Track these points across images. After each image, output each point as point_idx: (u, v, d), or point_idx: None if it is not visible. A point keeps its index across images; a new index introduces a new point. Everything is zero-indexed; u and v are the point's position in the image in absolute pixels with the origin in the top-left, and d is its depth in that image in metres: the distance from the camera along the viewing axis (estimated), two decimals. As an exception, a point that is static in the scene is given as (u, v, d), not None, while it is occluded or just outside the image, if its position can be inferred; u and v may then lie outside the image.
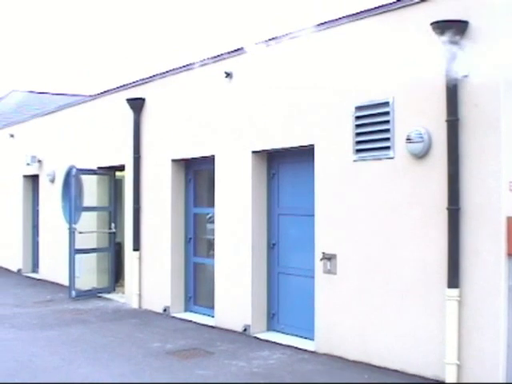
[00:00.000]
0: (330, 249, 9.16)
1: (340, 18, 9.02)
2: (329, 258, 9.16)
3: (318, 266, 9.33)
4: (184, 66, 12.26)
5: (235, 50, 10.96)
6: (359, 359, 8.72)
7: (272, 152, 10.62)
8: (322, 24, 9.28)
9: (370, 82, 8.61)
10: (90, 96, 16.89)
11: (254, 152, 10.64)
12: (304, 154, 9.89)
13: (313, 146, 9.48)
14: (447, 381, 7.50)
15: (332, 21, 9.13)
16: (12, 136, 20.24)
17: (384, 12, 8.41)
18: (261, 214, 10.77)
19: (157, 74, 13.07)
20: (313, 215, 9.54)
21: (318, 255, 9.34)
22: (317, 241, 9.41)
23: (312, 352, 9.38)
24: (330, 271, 9.15)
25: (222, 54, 11.26)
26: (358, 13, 8.75)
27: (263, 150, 10.59)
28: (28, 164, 18.27)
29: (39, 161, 18.18)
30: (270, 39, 10.25)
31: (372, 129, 8.60)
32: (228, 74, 10.98)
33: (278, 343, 9.99)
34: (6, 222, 20.93)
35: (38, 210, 18.94)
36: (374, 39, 8.55)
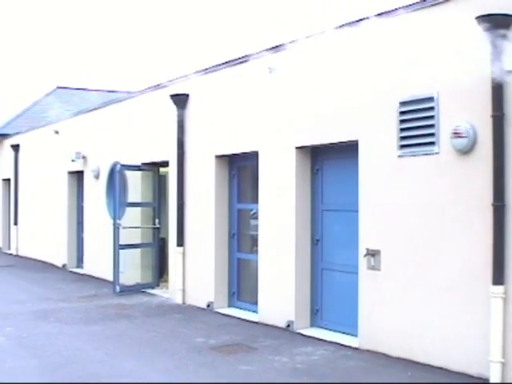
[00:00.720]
0: (374, 245, 9.21)
1: (383, 13, 9.04)
2: (373, 254, 9.21)
3: (362, 262, 9.38)
4: (227, 62, 12.37)
5: (278, 46, 11.04)
6: (402, 356, 8.75)
7: (316, 148, 10.68)
8: (366, 19, 9.30)
9: (415, 76, 8.63)
10: (134, 92, 17.11)
11: (297, 148, 10.71)
12: (348, 150, 9.94)
13: (357, 141, 9.52)
14: (492, 379, 7.50)
15: (376, 15, 9.15)
16: (57, 132, 20.59)
17: (429, 6, 8.41)
18: (305, 209, 10.85)
19: (200, 70, 13.19)
20: (357, 211, 9.59)
21: (361, 251, 9.39)
22: (361, 237, 9.46)
23: (355, 348, 9.42)
24: (374, 267, 9.20)
25: (265, 50, 11.35)
26: (402, 7, 8.77)
27: (307, 146, 10.66)
28: (73, 160, 18.60)
29: (84, 157, 18.49)
30: (312, 34, 10.31)
31: (416, 124, 8.62)
32: (271, 70, 11.06)
33: (321, 339, 10.03)
34: (52, 218, 21.28)
35: (82, 206, 19.27)
36: (418, 34, 8.55)
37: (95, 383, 7.87)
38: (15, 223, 25.14)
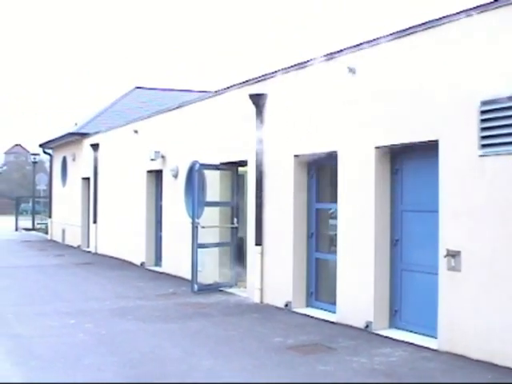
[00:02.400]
0: (455, 245, 9.25)
1: (463, 11, 9.09)
2: (453, 254, 9.25)
3: (442, 262, 9.43)
4: (307, 61, 12.52)
5: (358, 45, 11.17)
6: (483, 358, 8.75)
7: (395, 147, 10.77)
8: (446, 17, 9.38)
9: (496, 76, 8.65)
10: (212, 92, 17.43)
11: (377, 147, 10.83)
12: (428, 150, 9.99)
13: (437, 141, 9.59)
14: None
15: (456, 14, 9.21)
16: (136, 132, 21.15)
17: (509, 4, 8.45)
18: (384, 210, 10.95)
19: (279, 70, 13.36)
20: (436, 211, 9.65)
21: (441, 252, 9.44)
22: (441, 237, 9.52)
23: (434, 350, 9.46)
24: (454, 268, 9.24)
25: (344, 49, 11.48)
26: (481, 5, 8.81)
27: (386, 146, 10.78)
28: (152, 159, 19.04)
29: (163, 156, 18.92)
30: (392, 33, 10.42)
31: (498, 123, 8.65)
32: (351, 69, 11.20)
33: (399, 340, 10.11)
34: (130, 216, 21.84)
35: (161, 205, 19.71)
36: (499, 32, 8.60)
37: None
38: (94, 221, 25.91)
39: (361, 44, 11.10)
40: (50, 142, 33.37)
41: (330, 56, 11.83)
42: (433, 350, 9.51)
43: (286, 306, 12.91)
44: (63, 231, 31.19)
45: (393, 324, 10.94)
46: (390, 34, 10.46)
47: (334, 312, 11.80)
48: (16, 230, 43.43)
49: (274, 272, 13.50)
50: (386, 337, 10.41)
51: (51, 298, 14.70)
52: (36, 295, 15.07)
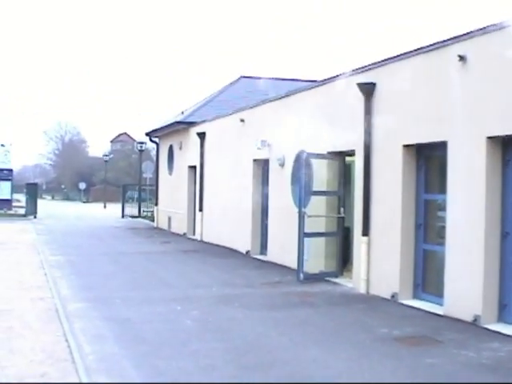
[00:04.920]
0: None
1: None
2: None
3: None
4: (416, 50, 12.53)
5: (469, 33, 11.12)
6: None
7: (508, 138, 10.68)
8: None
9: None
10: (318, 81, 17.56)
11: (488, 138, 10.77)
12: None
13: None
14: None
15: None
16: (242, 121, 21.55)
17: None
18: (494, 201, 10.87)
19: (388, 59, 13.43)
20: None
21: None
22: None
23: (545, 345, 9.37)
24: None
25: (456, 37, 11.44)
26: None
27: (498, 136, 10.70)
28: (258, 148, 19.39)
29: (269, 145, 19.22)
30: (503, 22, 10.33)
31: None
32: (462, 58, 11.16)
33: (508, 335, 10.04)
34: (236, 204, 22.25)
35: (267, 194, 20.00)
36: None
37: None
38: (200, 209, 26.53)
39: (472, 31, 11.04)
40: (156, 130, 34.24)
41: (441, 44, 11.79)
42: (544, 345, 9.40)
43: (393, 297, 12.98)
44: (169, 219, 32.01)
45: (502, 318, 10.85)
46: (502, 22, 10.37)
47: (441, 304, 11.80)
48: (122, 217, 44.79)
49: (381, 263, 13.58)
50: (495, 331, 10.33)
51: (158, 284, 15.23)
52: (143, 281, 15.63)
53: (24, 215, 42.72)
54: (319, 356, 8.93)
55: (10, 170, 49.51)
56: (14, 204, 50.41)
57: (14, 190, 51.97)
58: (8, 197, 47.69)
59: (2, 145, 51.28)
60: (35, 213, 42.09)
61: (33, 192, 44.60)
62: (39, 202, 45.48)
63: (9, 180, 48.29)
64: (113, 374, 8.04)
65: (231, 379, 7.95)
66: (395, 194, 13.10)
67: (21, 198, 58.97)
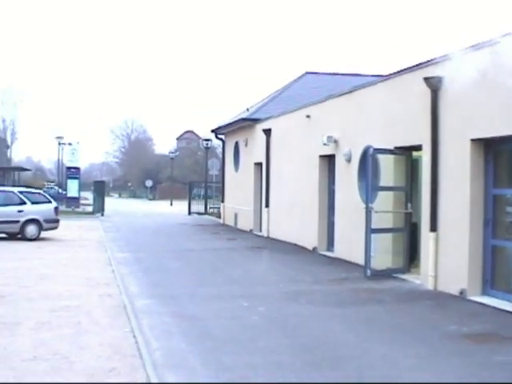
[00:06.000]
0: None
1: None
2: None
3: None
4: (481, 43, 12.42)
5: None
6: None
7: None
8: None
9: None
10: (383, 76, 17.52)
11: None
12: None
13: None
14: None
15: None
16: (308, 117, 21.62)
17: None
18: None
19: (455, 52, 13.24)
20: None
21: None
22: None
23: None
24: None
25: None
26: None
27: None
28: (324, 144, 19.42)
29: (335, 141, 19.23)
30: None
31: None
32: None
33: None
34: (302, 201, 22.32)
35: (333, 190, 20.02)
36: None
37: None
38: (266, 206, 26.72)
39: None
40: (222, 127, 34.59)
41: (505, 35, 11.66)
42: None
43: (461, 293, 12.86)
44: (235, 215, 32.31)
45: None
46: None
47: (511, 301, 11.69)
48: (189, 214, 45.38)
49: (449, 259, 13.47)
50: None
51: (224, 280, 15.44)
52: (209, 277, 15.87)
53: (91, 213, 43.66)
54: (387, 353, 8.95)
55: (78, 169, 50.59)
56: (81, 202, 51.55)
57: (82, 188, 53.08)
58: (76, 195, 48.83)
59: (70, 143, 52.50)
60: (102, 210, 42.92)
61: (100, 190, 45.50)
62: (106, 199, 46.30)
63: (76, 178, 49.40)
64: (180, 370, 8.20)
65: (299, 375, 8.02)
66: (463, 189, 12.98)
67: (88, 196, 60.18)
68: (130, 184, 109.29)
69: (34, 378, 7.73)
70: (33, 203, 24.79)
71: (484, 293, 12.84)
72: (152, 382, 7.70)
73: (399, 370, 8.22)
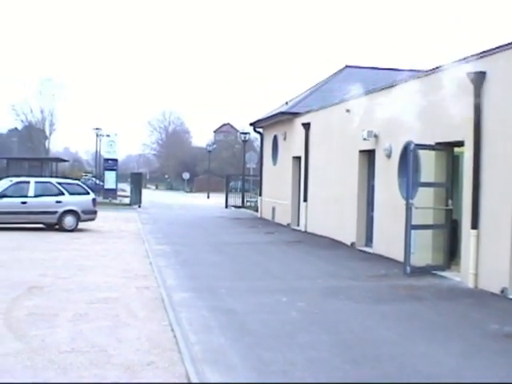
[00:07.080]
0: None
1: None
2: None
3: None
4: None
5: None
6: None
7: None
8: None
9: None
10: (427, 70, 17.39)
11: None
12: None
13: None
14: None
15: None
16: (348, 111, 21.55)
17: None
18: None
19: (500, 46, 13.16)
20: None
21: None
22: None
23: None
24: None
25: None
26: None
27: None
28: (364, 139, 19.38)
29: (375, 136, 19.18)
30: None
31: None
32: None
33: None
34: (341, 196, 22.29)
35: (373, 185, 19.99)
36: None
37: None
38: (304, 200, 26.70)
39: None
40: (260, 120, 34.61)
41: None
42: None
43: (502, 292, 12.75)
44: (273, 209, 32.32)
45: None
46: None
47: (556, 300, 11.55)
48: (226, 207, 45.53)
49: (490, 257, 13.36)
50: None
51: (262, 274, 15.48)
52: (247, 271, 15.92)
53: (129, 204, 44.03)
54: (428, 351, 8.90)
55: (115, 160, 50.96)
56: (118, 193, 51.98)
57: (119, 179, 53.47)
58: (113, 186, 49.21)
59: (108, 135, 52.91)
60: (139, 202, 43.25)
61: (137, 182, 45.86)
62: (143, 191, 46.63)
63: (114, 170, 49.74)
64: (219, 365, 8.21)
65: (338, 372, 8.01)
66: (506, 186, 12.87)
67: (125, 188, 60.63)
68: (167, 176, 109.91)
69: (72, 370, 7.76)
70: (71, 194, 24.95)
71: (526, 291, 12.71)
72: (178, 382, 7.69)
73: (441, 369, 8.16)
